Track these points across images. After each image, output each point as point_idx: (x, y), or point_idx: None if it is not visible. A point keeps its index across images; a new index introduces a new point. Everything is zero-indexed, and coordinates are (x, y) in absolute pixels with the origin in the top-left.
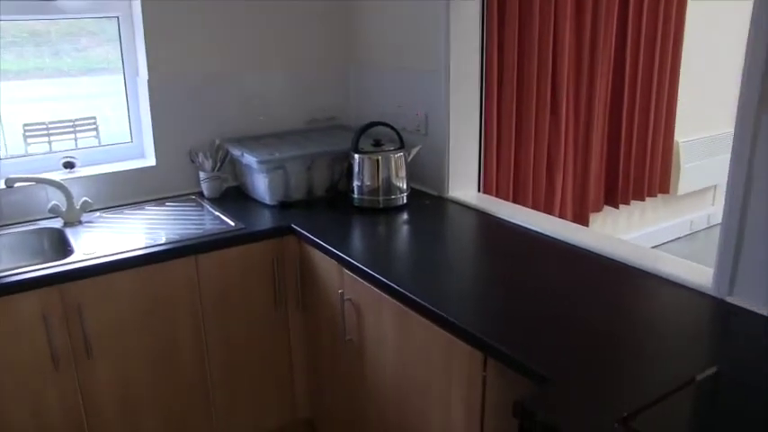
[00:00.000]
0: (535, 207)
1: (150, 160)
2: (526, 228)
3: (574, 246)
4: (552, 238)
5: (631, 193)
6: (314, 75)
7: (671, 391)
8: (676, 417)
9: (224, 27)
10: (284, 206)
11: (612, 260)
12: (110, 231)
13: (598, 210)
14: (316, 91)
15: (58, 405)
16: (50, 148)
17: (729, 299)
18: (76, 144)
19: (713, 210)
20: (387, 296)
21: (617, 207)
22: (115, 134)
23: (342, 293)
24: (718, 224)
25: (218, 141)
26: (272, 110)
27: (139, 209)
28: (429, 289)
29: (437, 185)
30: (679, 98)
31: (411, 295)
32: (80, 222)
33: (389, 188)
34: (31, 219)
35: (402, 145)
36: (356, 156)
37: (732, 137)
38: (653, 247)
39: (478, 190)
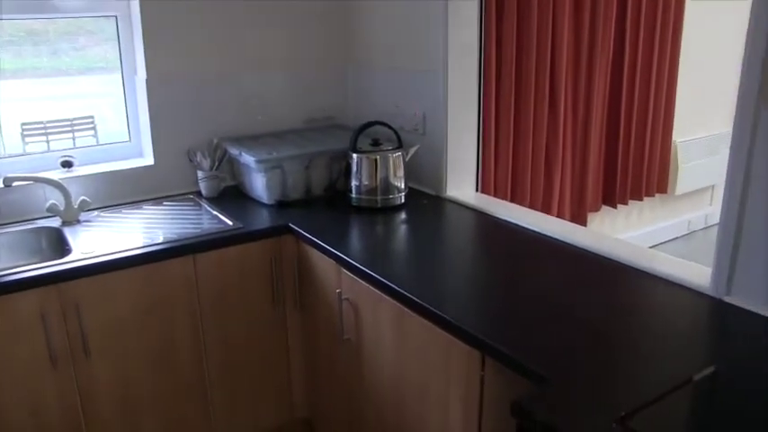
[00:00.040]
0: (533, 206)
1: (148, 159)
2: (524, 227)
3: (572, 245)
4: (550, 237)
5: (629, 193)
6: (312, 74)
7: (668, 390)
8: (674, 416)
9: (222, 27)
10: (282, 205)
11: (610, 260)
12: (108, 230)
13: (596, 209)
14: (314, 90)
15: (56, 404)
16: (48, 147)
17: (727, 299)
18: (74, 143)
19: (711, 210)
20: (384, 295)
21: (615, 207)
22: (113, 133)
23: (340, 293)
24: (715, 224)
25: (216, 141)
26: (270, 109)
27: (137, 208)
28: (427, 288)
29: (435, 185)
30: (677, 97)
31: (409, 294)
32: (78, 221)
33: (387, 188)
34: (29, 218)
35: (400, 144)
36: (354, 155)
37: (730, 136)
38: (651, 247)
39: (476, 189)
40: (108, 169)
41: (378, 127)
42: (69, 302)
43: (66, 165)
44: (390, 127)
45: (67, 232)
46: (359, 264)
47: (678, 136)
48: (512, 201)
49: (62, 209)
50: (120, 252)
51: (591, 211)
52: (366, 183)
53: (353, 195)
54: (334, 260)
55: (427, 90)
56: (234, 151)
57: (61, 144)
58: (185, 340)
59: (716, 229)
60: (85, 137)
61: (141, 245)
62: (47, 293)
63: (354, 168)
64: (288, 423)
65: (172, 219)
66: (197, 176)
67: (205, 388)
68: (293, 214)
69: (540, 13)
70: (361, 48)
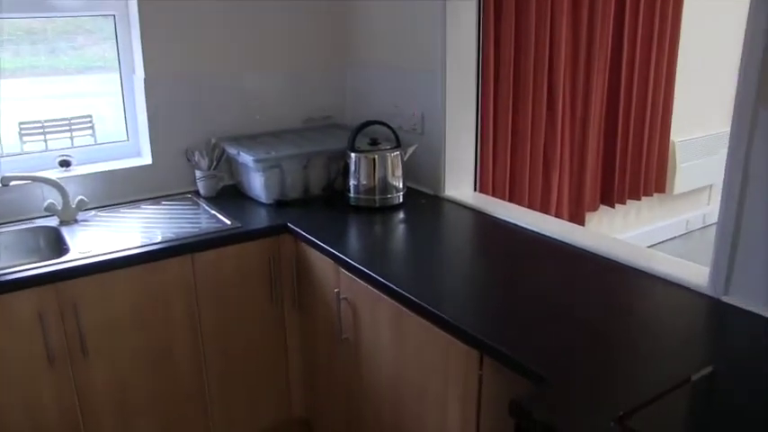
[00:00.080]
0: (531, 206)
1: (146, 159)
2: (522, 227)
3: (570, 245)
4: (548, 237)
5: (627, 193)
6: (310, 74)
7: (667, 390)
8: (672, 416)
9: (220, 26)
10: (280, 205)
11: (609, 259)
12: (106, 230)
13: (594, 209)
14: (312, 90)
15: (53, 404)
16: (46, 146)
17: (725, 298)
18: (72, 142)
19: (709, 209)
20: (383, 295)
21: (613, 206)
22: (111, 133)
23: (338, 292)
24: (713, 224)
25: (214, 140)
26: (268, 109)
27: (135, 207)
28: (425, 288)
29: (433, 184)
30: (675, 97)
31: (407, 294)
32: (76, 221)
33: (386, 187)
34: (27, 217)
35: (398, 144)
36: (353, 155)
37: (728, 135)
38: (649, 247)
39: (474, 189)
40: (106, 168)
41: (376, 126)
42: (67, 302)
43: (64, 164)
44: (389, 126)
45: (65, 232)
46: (357, 263)
47: (676, 135)
48: (510, 200)
49: (60, 208)
50: (117, 251)
51: (589, 210)
52: (364, 182)
53: (352, 195)
54: (333, 260)
55: (426, 90)
56: (232, 151)
57: (59, 143)
58: (183, 340)
59: (714, 228)
60: (83, 136)
61: (139, 244)
62: (44, 293)
63: (353, 168)
64: (286, 422)
65: (170, 218)
66: (195, 176)
67: (203, 387)
68: (291, 214)
69: (538, 12)
70: (360, 48)
